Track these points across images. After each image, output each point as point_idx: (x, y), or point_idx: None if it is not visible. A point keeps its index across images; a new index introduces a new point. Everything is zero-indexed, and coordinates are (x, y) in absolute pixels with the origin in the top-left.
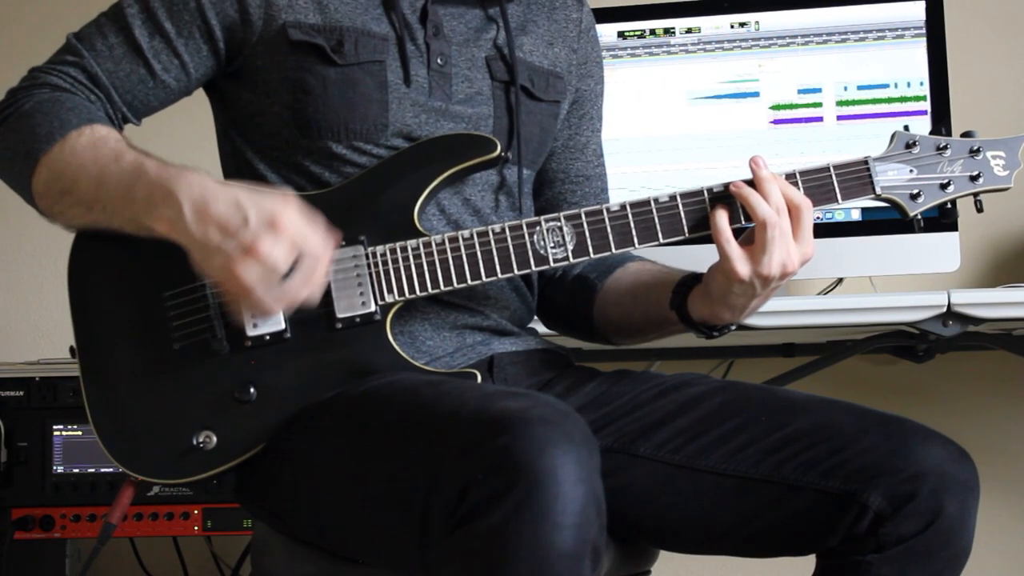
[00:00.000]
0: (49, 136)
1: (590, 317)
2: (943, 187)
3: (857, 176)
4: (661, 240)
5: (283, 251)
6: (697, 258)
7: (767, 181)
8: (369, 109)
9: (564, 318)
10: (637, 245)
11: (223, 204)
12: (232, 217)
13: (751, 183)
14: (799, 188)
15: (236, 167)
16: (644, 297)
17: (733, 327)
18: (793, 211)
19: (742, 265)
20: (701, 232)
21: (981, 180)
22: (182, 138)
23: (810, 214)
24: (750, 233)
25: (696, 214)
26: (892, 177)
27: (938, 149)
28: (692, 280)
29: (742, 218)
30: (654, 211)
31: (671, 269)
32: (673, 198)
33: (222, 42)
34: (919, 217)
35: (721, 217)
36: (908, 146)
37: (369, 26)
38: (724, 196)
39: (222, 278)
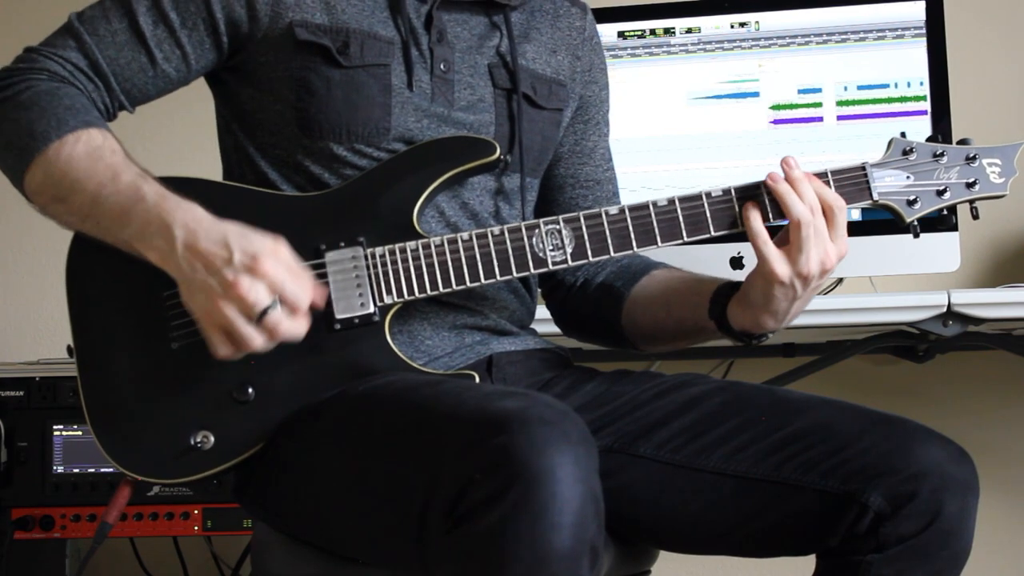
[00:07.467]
0: (45, 135)
1: (618, 325)
2: (939, 194)
3: (855, 182)
4: (659, 244)
5: (260, 292)
6: (696, 257)
7: (800, 181)
8: (372, 112)
9: (589, 327)
10: (636, 248)
11: (211, 241)
12: (217, 255)
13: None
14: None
15: (238, 161)
16: (678, 306)
17: (771, 334)
18: (827, 210)
19: (781, 266)
20: (698, 236)
21: (977, 187)
22: (182, 138)
23: (843, 214)
24: (784, 235)
25: (694, 218)
26: (889, 183)
27: (935, 156)
28: (729, 289)
29: (771, 215)
30: (652, 214)
31: (701, 277)
32: (671, 202)
33: (225, 36)
34: (915, 223)
35: (755, 219)
36: (905, 152)
37: (375, 29)
38: (749, 196)
39: (202, 313)
